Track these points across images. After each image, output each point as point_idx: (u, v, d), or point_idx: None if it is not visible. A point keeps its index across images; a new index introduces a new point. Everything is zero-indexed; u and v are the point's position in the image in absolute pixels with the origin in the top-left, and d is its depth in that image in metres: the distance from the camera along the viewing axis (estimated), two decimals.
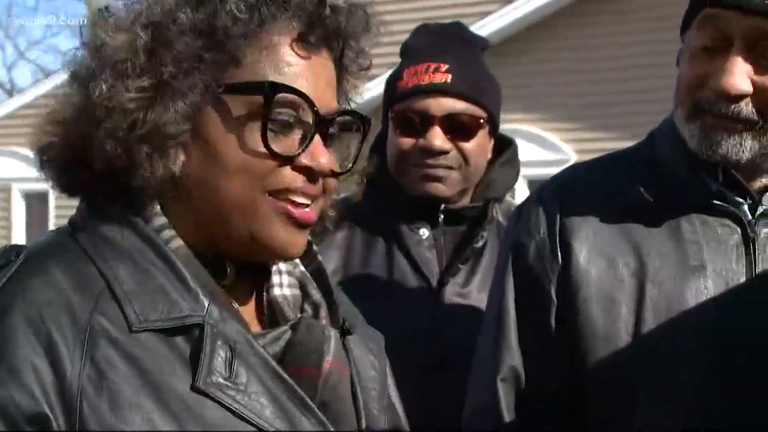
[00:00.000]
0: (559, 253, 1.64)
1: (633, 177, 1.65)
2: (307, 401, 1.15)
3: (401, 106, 2.11)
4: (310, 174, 1.16)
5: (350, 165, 1.25)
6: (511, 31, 10.41)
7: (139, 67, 1.12)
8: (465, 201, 2.20)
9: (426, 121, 2.10)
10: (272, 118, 1.14)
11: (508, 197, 2.33)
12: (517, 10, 10.47)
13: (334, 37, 1.21)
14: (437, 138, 2.09)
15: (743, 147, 1.53)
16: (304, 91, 1.14)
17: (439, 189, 2.12)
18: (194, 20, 1.14)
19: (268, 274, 1.27)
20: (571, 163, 10.46)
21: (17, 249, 1.14)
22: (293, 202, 1.16)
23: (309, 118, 1.16)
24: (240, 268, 1.22)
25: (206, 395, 1.08)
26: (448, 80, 2.10)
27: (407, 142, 2.10)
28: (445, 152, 2.09)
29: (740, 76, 1.49)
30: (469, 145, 2.12)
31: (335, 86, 1.23)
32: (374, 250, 2.14)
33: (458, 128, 2.11)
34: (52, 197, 14.02)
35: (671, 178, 1.63)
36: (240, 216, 1.15)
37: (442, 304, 2.10)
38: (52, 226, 13.77)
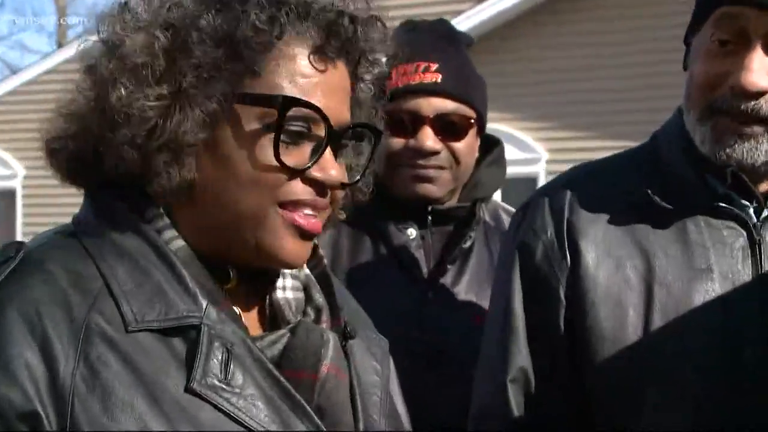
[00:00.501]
0: (568, 254, 1.63)
1: (637, 178, 1.65)
2: (303, 405, 1.13)
3: (391, 106, 2.10)
4: (320, 187, 1.16)
5: (358, 176, 1.24)
6: (483, 29, 10.45)
7: (159, 73, 1.11)
8: (452, 201, 2.19)
9: (417, 121, 2.08)
10: (285, 130, 1.13)
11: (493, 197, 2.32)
12: (489, 9, 10.52)
13: (351, 49, 1.20)
14: (428, 138, 2.08)
15: (759, 151, 1.53)
16: (318, 104, 1.14)
17: (430, 190, 2.10)
18: (215, 28, 1.12)
19: (272, 277, 1.26)
20: (542, 162, 10.54)
21: (16, 246, 1.14)
22: (302, 213, 1.15)
23: (321, 131, 1.15)
24: (243, 271, 1.21)
25: (200, 397, 1.08)
26: (438, 80, 2.09)
27: (397, 142, 2.08)
28: (436, 153, 2.08)
29: (759, 72, 1.49)
30: (459, 145, 2.11)
31: (350, 97, 1.22)
32: (361, 250, 2.13)
33: (449, 128, 2.10)
34: (20, 195, 13.88)
35: (676, 179, 1.63)
36: (249, 226, 1.15)
37: (430, 304, 2.09)
38: (19, 224, 13.63)
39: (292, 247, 1.16)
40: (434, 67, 2.09)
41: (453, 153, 2.10)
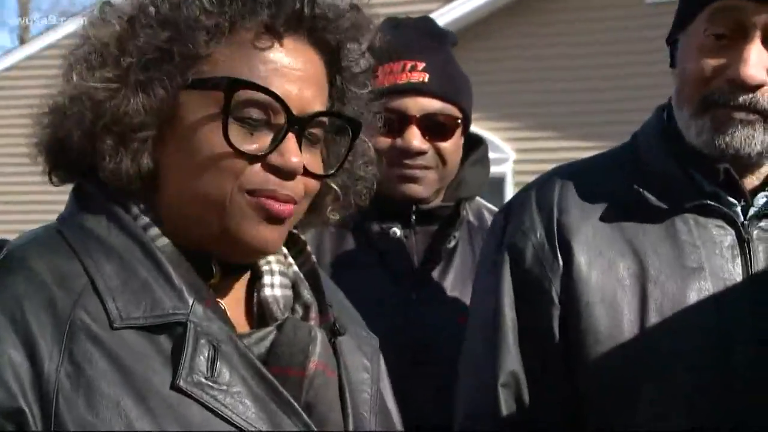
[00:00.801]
0: (560, 255, 1.61)
1: (621, 177, 1.65)
2: (291, 402, 1.13)
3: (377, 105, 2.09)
4: (281, 173, 1.14)
5: (333, 170, 1.22)
6: (452, 29, 10.44)
7: (107, 57, 1.12)
8: (437, 200, 2.18)
9: (403, 121, 2.06)
10: (238, 115, 1.12)
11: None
12: (457, 10, 10.52)
13: (321, 36, 1.18)
14: (415, 138, 2.06)
15: (755, 140, 1.53)
16: (274, 89, 1.12)
17: (416, 190, 2.09)
18: (161, 12, 1.13)
19: (259, 274, 1.25)
20: (510, 162, 10.57)
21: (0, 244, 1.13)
22: (268, 197, 1.14)
23: (281, 118, 1.13)
24: (228, 267, 1.20)
25: (186, 394, 1.07)
26: (426, 79, 2.07)
27: (383, 141, 2.05)
28: (422, 153, 2.07)
29: (757, 65, 1.49)
30: (446, 145, 2.10)
31: (323, 86, 1.20)
32: (344, 249, 2.11)
33: (435, 128, 2.09)
34: None
35: (660, 178, 1.62)
36: (214, 213, 1.13)
37: (414, 304, 2.07)
38: None
39: (260, 231, 1.14)
40: (421, 66, 2.07)
41: (439, 153, 2.09)
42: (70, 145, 1.15)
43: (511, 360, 1.63)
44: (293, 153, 1.13)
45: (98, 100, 1.11)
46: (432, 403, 1.91)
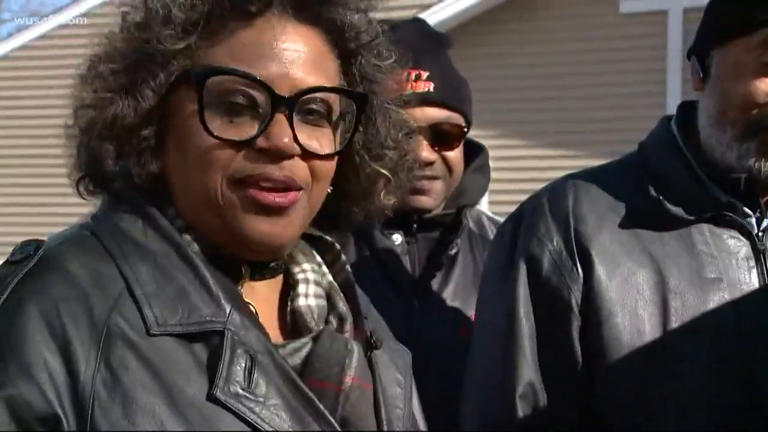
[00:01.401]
0: (579, 264, 1.60)
1: (634, 187, 1.65)
2: (327, 416, 1.11)
3: None
4: (271, 156, 1.10)
5: (339, 148, 1.19)
6: None
7: (101, 69, 1.14)
8: (438, 208, 2.15)
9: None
10: (220, 104, 1.10)
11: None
12: (431, 17, 10.54)
13: (316, 12, 1.16)
14: (424, 149, 2.03)
15: None
16: (252, 71, 1.09)
17: (425, 202, 2.07)
18: (139, 15, 1.14)
19: (294, 283, 1.23)
20: None
21: (36, 244, 1.12)
22: (261, 188, 1.11)
23: (267, 99, 1.10)
24: (256, 267, 1.18)
25: (223, 405, 1.04)
26: (431, 89, 2.05)
27: None
28: (431, 163, 2.05)
29: None
30: (452, 154, 2.08)
31: (321, 64, 1.15)
32: (346, 256, 2.08)
33: (443, 138, 2.06)
34: None
35: (675, 189, 1.63)
36: (210, 208, 1.12)
37: (415, 312, 2.05)
38: None
39: (259, 225, 1.12)
40: (425, 75, 2.04)
41: (446, 162, 2.07)
42: (82, 158, 1.16)
43: (529, 370, 1.61)
44: (283, 134, 1.10)
45: (94, 110, 1.12)
46: (431, 412, 1.89)
